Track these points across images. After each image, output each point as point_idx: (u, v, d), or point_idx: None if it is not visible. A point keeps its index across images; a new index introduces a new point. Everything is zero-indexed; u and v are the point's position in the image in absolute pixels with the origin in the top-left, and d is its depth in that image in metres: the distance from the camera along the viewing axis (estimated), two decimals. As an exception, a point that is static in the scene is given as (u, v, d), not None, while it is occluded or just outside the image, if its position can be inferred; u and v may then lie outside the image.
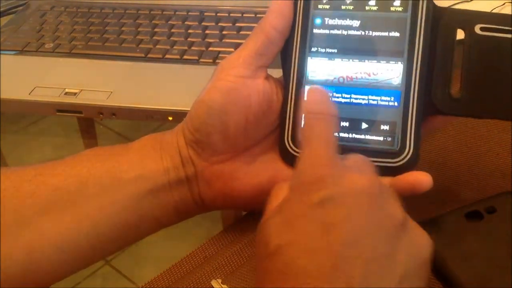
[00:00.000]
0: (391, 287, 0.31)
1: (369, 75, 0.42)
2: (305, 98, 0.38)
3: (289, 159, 0.43)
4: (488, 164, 0.52)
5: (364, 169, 0.35)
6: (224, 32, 0.74)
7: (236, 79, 0.41)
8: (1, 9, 0.87)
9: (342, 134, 0.42)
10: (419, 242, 0.34)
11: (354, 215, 0.32)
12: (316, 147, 0.35)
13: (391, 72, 0.41)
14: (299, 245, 0.31)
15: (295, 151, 0.42)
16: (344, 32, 0.42)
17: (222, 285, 0.44)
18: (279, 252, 0.31)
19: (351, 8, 0.42)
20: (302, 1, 0.43)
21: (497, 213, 0.45)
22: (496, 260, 0.42)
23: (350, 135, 0.42)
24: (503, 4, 0.71)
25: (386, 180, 0.38)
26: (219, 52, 0.70)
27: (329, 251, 0.31)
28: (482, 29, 0.40)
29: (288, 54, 0.43)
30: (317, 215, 0.32)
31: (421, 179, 0.39)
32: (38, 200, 0.39)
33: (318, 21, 0.43)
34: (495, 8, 0.70)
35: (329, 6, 0.43)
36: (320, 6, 0.43)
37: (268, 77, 0.43)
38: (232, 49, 0.69)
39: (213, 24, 0.75)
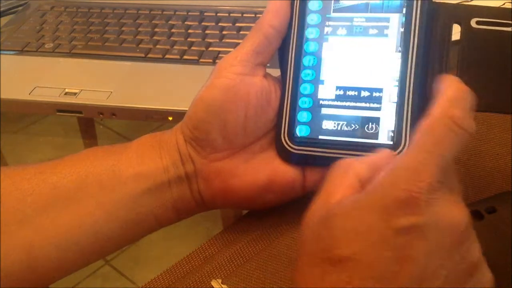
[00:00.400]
0: None
1: (365, 71, 0.42)
2: (450, 100, 0.32)
3: (286, 156, 0.43)
4: (488, 164, 0.52)
5: (457, 198, 0.31)
6: (224, 32, 0.74)
7: (234, 76, 0.41)
8: (1, 9, 0.87)
9: (337, 128, 0.42)
10: (483, 281, 0.32)
11: (434, 252, 0.29)
12: (432, 161, 0.30)
13: (387, 68, 0.41)
14: (369, 268, 0.29)
15: (291, 147, 0.43)
16: (340, 30, 0.42)
17: (222, 285, 0.44)
18: (345, 264, 0.29)
19: (346, 6, 0.42)
20: (298, 1, 0.43)
21: (497, 213, 0.45)
22: (496, 260, 0.42)
23: (345, 129, 0.42)
24: (503, 4, 0.71)
25: None
26: (219, 52, 0.70)
27: (398, 281, 0.29)
28: (478, 22, 0.40)
29: (285, 52, 0.43)
30: (397, 242, 0.29)
31: None
32: (38, 198, 0.39)
33: (314, 19, 0.43)
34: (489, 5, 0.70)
35: (324, 5, 0.43)
36: (316, 5, 0.43)
37: (266, 75, 0.43)
38: (232, 49, 0.68)
39: (213, 24, 0.75)
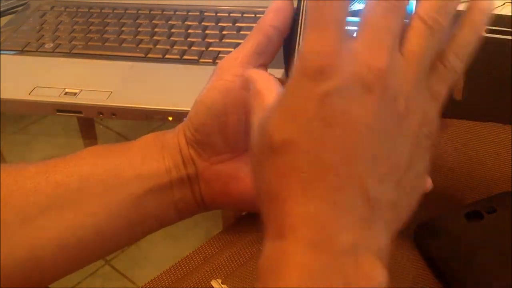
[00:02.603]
0: (397, 177, 0.31)
1: None
2: None
3: None
4: (488, 165, 0.52)
5: (374, 52, 0.31)
6: (224, 32, 0.74)
7: (235, 78, 0.41)
8: (1, 9, 0.87)
9: None
10: (424, 124, 0.32)
11: (360, 109, 0.30)
12: (324, 29, 0.30)
13: None
14: (306, 141, 0.30)
15: None
16: (348, 30, 0.42)
17: (222, 285, 0.44)
18: (285, 147, 0.30)
19: (354, 11, 0.42)
20: (306, 1, 0.43)
21: (497, 213, 0.45)
22: (496, 260, 0.42)
23: None
24: (503, 4, 0.70)
25: None
26: (219, 52, 0.70)
27: (335, 147, 0.29)
28: (486, 30, 0.40)
29: (290, 52, 0.43)
30: (321, 109, 0.30)
31: None
32: (40, 197, 0.39)
33: None
34: (494, 8, 0.70)
35: None
36: None
37: None
38: (232, 49, 0.68)
39: (213, 24, 0.75)
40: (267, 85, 0.36)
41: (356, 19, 0.35)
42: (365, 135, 0.30)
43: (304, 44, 0.31)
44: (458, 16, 0.33)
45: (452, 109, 0.41)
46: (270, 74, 0.37)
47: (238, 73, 0.41)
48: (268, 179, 0.31)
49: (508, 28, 0.39)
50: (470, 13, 0.33)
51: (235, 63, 0.41)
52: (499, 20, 0.40)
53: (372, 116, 0.30)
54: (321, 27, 0.30)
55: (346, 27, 0.31)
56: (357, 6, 0.42)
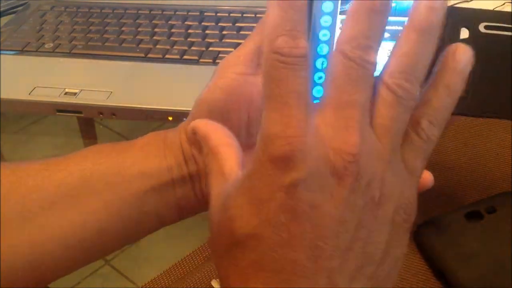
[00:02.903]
0: (371, 271, 0.29)
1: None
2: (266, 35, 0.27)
3: None
4: (488, 164, 0.52)
5: (343, 133, 0.27)
6: (224, 32, 0.74)
7: (237, 76, 0.41)
8: (1, 9, 0.87)
9: None
10: (401, 208, 0.29)
11: (328, 201, 0.27)
12: (287, 108, 0.27)
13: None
14: (272, 237, 0.27)
15: None
16: None
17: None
18: (249, 242, 0.28)
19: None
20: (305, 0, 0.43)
21: (497, 213, 0.45)
22: (496, 260, 0.42)
23: None
24: (503, 4, 0.71)
25: None
26: (219, 52, 0.70)
27: (303, 244, 0.27)
28: (486, 27, 0.40)
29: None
30: (288, 201, 0.27)
31: (422, 176, 0.39)
32: (42, 195, 0.39)
33: (321, 19, 0.43)
34: (495, 8, 0.70)
35: (331, 4, 0.43)
36: (323, 4, 0.43)
37: None
38: (232, 49, 0.68)
39: (213, 24, 0.75)
40: (223, 141, 0.33)
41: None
42: (335, 229, 0.27)
43: (266, 124, 0.27)
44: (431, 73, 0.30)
45: (456, 106, 0.41)
46: (219, 125, 0.34)
47: (240, 71, 0.41)
48: (228, 274, 0.29)
49: (508, 24, 0.39)
50: (444, 74, 0.29)
51: (238, 61, 0.41)
52: (499, 16, 0.40)
53: (343, 207, 0.27)
54: (282, 104, 0.27)
55: (308, 98, 0.27)
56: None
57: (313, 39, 0.43)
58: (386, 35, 0.41)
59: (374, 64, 0.27)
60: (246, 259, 0.28)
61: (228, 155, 0.32)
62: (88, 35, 0.76)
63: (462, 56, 0.29)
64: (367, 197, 0.28)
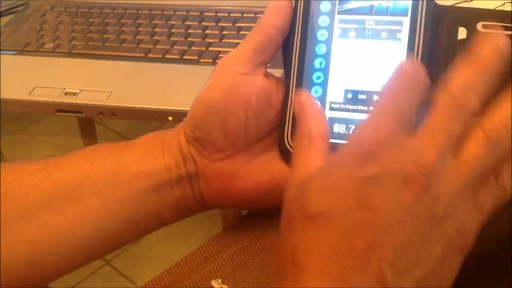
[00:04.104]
0: (419, 276, 0.31)
1: (369, 73, 0.42)
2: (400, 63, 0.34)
3: (288, 157, 0.43)
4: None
5: (424, 150, 0.31)
6: (224, 32, 0.74)
7: (235, 76, 0.41)
8: (1, 9, 0.87)
9: (341, 132, 0.42)
10: (460, 233, 0.32)
11: (394, 201, 0.31)
12: (386, 115, 0.32)
13: (391, 70, 0.41)
14: (339, 219, 0.31)
15: None
16: (345, 32, 0.42)
17: (222, 285, 0.44)
18: (320, 219, 0.31)
19: (352, 8, 0.42)
20: (302, 1, 0.43)
21: (498, 213, 0.45)
22: (496, 260, 0.42)
23: (350, 133, 0.42)
24: (503, 4, 0.71)
25: None
26: (219, 52, 0.70)
27: (364, 232, 0.30)
28: (484, 26, 0.40)
29: (289, 51, 0.43)
30: (360, 192, 0.31)
31: None
32: (41, 194, 0.39)
33: (319, 20, 0.43)
34: (495, 8, 0.70)
35: (329, 5, 0.43)
36: (321, 5, 0.43)
37: (267, 74, 0.43)
38: (232, 49, 0.69)
39: (213, 24, 0.75)
40: (320, 130, 0.37)
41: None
42: (394, 227, 0.30)
43: (363, 126, 0.32)
44: None
45: None
46: (322, 113, 0.38)
47: (238, 71, 0.41)
48: (294, 244, 0.32)
49: (506, 23, 0.39)
50: None
51: (236, 61, 0.41)
52: (497, 15, 0.40)
53: (405, 210, 0.30)
54: (384, 115, 0.32)
55: (407, 120, 0.32)
56: (353, 4, 0.42)
57: (311, 39, 0.43)
58: (384, 34, 0.41)
59: (474, 109, 0.32)
60: (313, 234, 0.31)
61: (321, 149, 0.36)
62: (88, 35, 0.76)
63: None
64: (430, 211, 0.31)
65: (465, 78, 0.32)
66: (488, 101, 0.33)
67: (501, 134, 0.32)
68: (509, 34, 0.39)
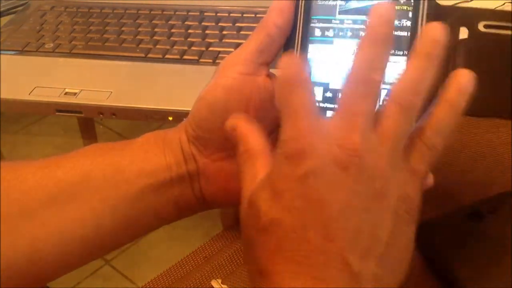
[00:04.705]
0: (379, 252, 0.32)
1: None
2: (278, 67, 0.34)
3: None
4: (488, 165, 0.52)
5: (346, 133, 0.33)
6: (224, 32, 0.74)
7: (237, 76, 0.41)
8: (1, 9, 0.87)
9: None
10: (403, 200, 0.34)
11: (335, 188, 0.32)
12: (296, 117, 0.33)
13: (392, 69, 0.41)
14: (290, 220, 0.32)
15: None
16: (346, 32, 0.42)
17: (222, 285, 0.44)
18: (272, 227, 0.32)
19: (352, 9, 0.42)
20: (303, 1, 0.43)
21: (498, 213, 0.45)
22: (496, 260, 0.42)
23: None
24: (503, 4, 0.71)
25: None
26: (219, 52, 0.70)
27: (317, 225, 0.31)
28: (486, 26, 0.40)
29: (290, 52, 0.43)
30: (302, 189, 0.32)
31: None
32: (41, 192, 0.39)
33: (319, 20, 0.43)
34: (496, 8, 0.70)
35: (330, 6, 0.43)
36: (321, 6, 0.43)
37: (270, 74, 0.43)
38: (232, 49, 0.69)
39: (213, 24, 0.75)
40: (261, 146, 0.37)
41: None
42: (343, 212, 0.31)
43: (282, 132, 0.33)
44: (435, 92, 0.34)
45: None
46: (257, 126, 0.38)
47: (241, 71, 0.41)
48: (258, 255, 0.33)
49: (508, 23, 0.39)
50: (448, 92, 0.35)
51: (238, 61, 0.42)
52: (499, 15, 0.40)
53: (350, 193, 0.32)
54: (293, 115, 0.33)
55: (316, 108, 0.33)
56: (354, 4, 0.42)
57: (312, 39, 0.43)
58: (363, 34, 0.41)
59: (378, 82, 0.33)
60: (271, 242, 0.32)
61: (264, 160, 0.36)
62: (88, 35, 0.76)
63: (463, 77, 0.35)
64: (370, 187, 0.32)
65: (365, 55, 0.34)
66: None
67: (407, 97, 0.33)
68: (509, 34, 0.39)
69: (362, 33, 0.35)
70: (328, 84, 0.43)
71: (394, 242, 0.33)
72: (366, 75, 0.33)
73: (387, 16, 0.34)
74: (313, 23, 0.43)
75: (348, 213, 0.32)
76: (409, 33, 0.41)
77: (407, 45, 0.41)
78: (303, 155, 0.32)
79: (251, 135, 0.38)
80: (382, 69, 0.34)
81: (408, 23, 0.41)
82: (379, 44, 0.34)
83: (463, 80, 0.35)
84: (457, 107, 0.34)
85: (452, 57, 0.41)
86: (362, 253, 0.32)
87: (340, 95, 0.34)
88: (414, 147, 0.34)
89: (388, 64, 0.34)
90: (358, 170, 0.32)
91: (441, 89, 0.34)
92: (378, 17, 0.34)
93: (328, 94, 0.42)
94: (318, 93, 0.42)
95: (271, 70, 0.44)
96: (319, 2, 0.43)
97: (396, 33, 0.41)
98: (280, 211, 0.32)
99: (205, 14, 0.77)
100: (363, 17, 0.42)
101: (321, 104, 0.42)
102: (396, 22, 0.41)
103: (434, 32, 0.34)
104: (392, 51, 0.41)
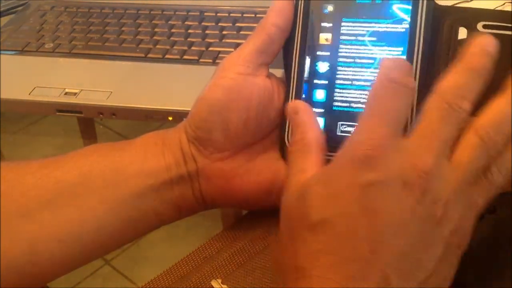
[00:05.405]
0: (422, 278, 0.32)
1: (369, 73, 0.42)
2: (382, 66, 0.34)
3: None
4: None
5: (421, 154, 0.32)
6: (224, 32, 0.74)
7: (237, 76, 0.41)
8: (1, 9, 0.87)
9: (343, 128, 0.42)
10: (458, 232, 0.33)
11: (396, 205, 0.31)
12: (378, 120, 0.32)
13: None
14: (341, 225, 0.31)
15: None
16: (345, 30, 0.42)
17: (222, 285, 0.44)
18: (321, 226, 0.32)
19: (351, 7, 0.42)
20: (302, 1, 0.43)
21: (497, 213, 0.45)
22: (496, 260, 0.42)
23: (351, 130, 0.42)
24: (503, 4, 0.71)
25: None
26: (219, 52, 0.70)
27: (367, 236, 0.31)
28: (485, 26, 0.40)
29: (289, 52, 0.43)
30: (361, 197, 0.31)
31: None
32: (41, 192, 0.40)
33: (318, 19, 0.43)
34: (495, 8, 0.70)
35: (329, 6, 0.43)
36: (320, 6, 0.43)
37: (269, 75, 0.43)
38: (232, 49, 0.69)
39: (213, 24, 0.75)
40: (317, 138, 0.37)
41: None
42: (397, 231, 0.31)
43: (358, 131, 0.33)
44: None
45: None
46: (316, 117, 0.39)
47: (241, 71, 0.41)
48: (297, 251, 0.32)
49: (507, 23, 0.39)
50: None
51: (238, 61, 0.42)
52: (498, 15, 0.40)
53: (408, 214, 0.31)
54: (377, 116, 0.32)
55: (402, 123, 0.33)
56: (354, 6, 0.42)
57: (311, 39, 0.43)
58: (384, 35, 0.41)
59: (466, 112, 0.33)
60: (316, 242, 0.32)
61: (317, 156, 0.36)
62: (88, 35, 0.76)
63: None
64: (429, 212, 0.32)
65: (456, 81, 0.33)
66: (478, 102, 0.34)
67: (493, 136, 0.33)
68: (509, 34, 0.39)
69: (458, 60, 0.34)
70: (328, 85, 0.43)
71: (438, 271, 0.32)
72: (456, 102, 0.33)
73: (489, 50, 0.34)
74: (312, 23, 0.43)
75: (400, 232, 0.31)
76: (408, 33, 0.41)
77: (405, 45, 0.41)
78: (373, 164, 0.31)
79: (311, 126, 0.38)
80: (472, 100, 0.33)
81: (407, 23, 0.41)
82: (476, 75, 0.33)
83: None
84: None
85: (451, 58, 0.41)
86: (404, 275, 0.31)
87: (423, 114, 0.33)
88: (478, 181, 0.33)
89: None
90: (422, 192, 0.31)
91: None
92: (481, 48, 0.34)
93: (328, 95, 0.42)
94: (320, 93, 0.43)
95: (271, 70, 0.44)
96: (318, 2, 0.43)
97: (394, 31, 0.41)
98: (333, 213, 0.32)
99: (205, 14, 0.77)
100: (362, 18, 0.42)
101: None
102: (396, 22, 0.41)
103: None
104: (388, 49, 0.41)
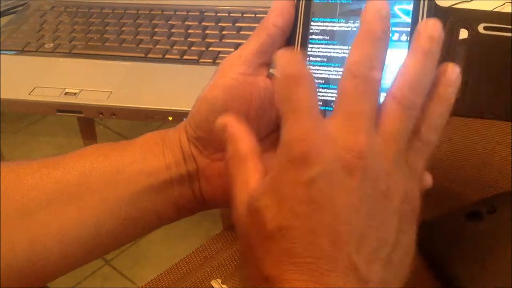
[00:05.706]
0: (386, 254, 0.32)
1: None
2: (276, 63, 0.33)
3: None
4: (488, 165, 0.52)
5: (351, 135, 0.32)
6: (224, 32, 0.74)
7: (237, 76, 0.41)
8: (1, 9, 0.87)
9: None
10: (407, 199, 0.34)
11: (342, 191, 0.31)
12: (299, 116, 0.32)
13: (392, 70, 0.41)
14: (297, 227, 0.31)
15: None
16: (346, 30, 0.42)
17: (222, 285, 0.44)
18: (279, 233, 0.32)
19: (353, 9, 0.42)
20: (303, 1, 0.43)
21: (497, 213, 0.45)
22: (496, 260, 0.42)
23: None
24: (503, 4, 0.71)
25: None
26: (219, 52, 0.70)
27: (324, 230, 0.31)
28: (485, 28, 0.40)
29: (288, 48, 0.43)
30: (308, 194, 0.31)
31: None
32: (41, 192, 0.39)
33: (319, 21, 0.43)
34: (495, 8, 0.70)
35: (330, 6, 0.43)
36: (321, 6, 0.43)
37: (270, 75, 0.43)
38: (232, 49, 0.69)
39: (213, 24, 0.75)
40: (252, 149, 0.36)
41: None
42: (351, 216, 0.31)
43: (284, 132, 0.32)
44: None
45: (454, 106, 0.41)
46: (247, 128, 0.37)
47: (241, 71, 0.41)
48: (263, 263, 0.32)
49: (507, 25, 0.39)
50: (438, 87, 0.34)
51: (238, 61, 0.42)
52: (499, 17, 0.40)
53: (356, 197, 0.32)
54: (295, 113, 0.32)
55: (318, 107, 0.33)
56: (354, 5, 0.42)
57: (312, 39, 0.43)
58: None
59: (378, 80, 0.33)
60: (278, 249, 0.32)
61: (255, 164, 0.36)
62: (88, 35, 0.76)
63: (452, 71, 0.35)
64: (375, 190, 0.32)
65: (362, 52, 0.33)
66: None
67: (410, 97, 0.33)
68: (509, 36, 0.39)
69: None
70: (328, 85, 0.43)
71: (399, 243, 0.33)
72: (365, 73, 0.33)
73: (383, 13, 0.33)
74: (313, 22, 0.43)
75: (354, 217, 0.31)
76: (409, 34, 0.41)
77: (407, 47, 0.41)
78: (308, 159, 0.31)
79: (241, 137, 0.37)
80: (381, 67, 0.33)
81: (408, 25, 0.41)
82: (376, 41, 0.33)
83: (451, 74, 0.34)
84: (449, 102, 0.34)
85: (452, 58, 0.41)
86: (369, 257, 0.32)
87: (338, 93, 0.33)
88: (411, 145, 0.34)
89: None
90: (363, 173, 0.32)
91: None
92: (374, 13, 0.33)
93: (328, 95, 0.42)
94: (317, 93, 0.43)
95: (271, 71, 0.44)
96: (319, 2, 0.43)
97: (396, 35, 0.41)
98: (287, 218, 0.32)
99: (205, 14, 0.77)
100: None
101: (320, 105, 0.42)
102: (396, 23, 0.41)
103: (431, 29, 0.34)
104: (390, 50, 0.41)
